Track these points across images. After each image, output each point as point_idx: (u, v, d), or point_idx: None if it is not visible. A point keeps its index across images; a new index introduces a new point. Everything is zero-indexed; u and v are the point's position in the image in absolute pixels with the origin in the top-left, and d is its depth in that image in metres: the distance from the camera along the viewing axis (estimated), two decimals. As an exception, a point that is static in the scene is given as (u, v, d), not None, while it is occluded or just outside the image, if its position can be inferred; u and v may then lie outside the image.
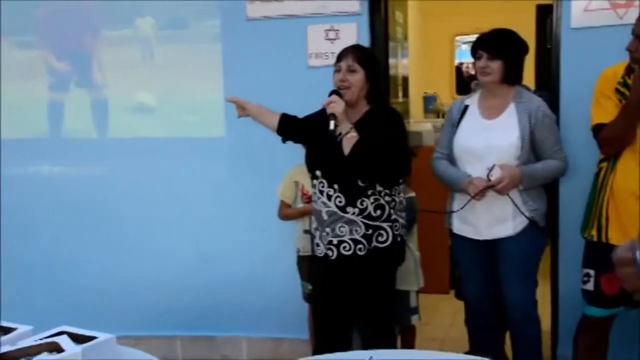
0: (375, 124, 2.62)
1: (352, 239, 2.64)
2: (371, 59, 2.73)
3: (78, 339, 1.96)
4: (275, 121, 2.90)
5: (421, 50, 6.67)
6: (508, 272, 2.85)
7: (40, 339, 1.94)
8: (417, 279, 3.22)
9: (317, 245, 2.77)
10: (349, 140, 2.57)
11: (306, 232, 3.20)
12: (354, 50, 2.70)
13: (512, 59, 2.80)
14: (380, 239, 2.65)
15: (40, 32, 3.80)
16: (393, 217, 2.68)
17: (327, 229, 2.67)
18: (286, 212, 3.32)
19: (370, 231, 2.64)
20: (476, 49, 2.84)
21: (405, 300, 3.19)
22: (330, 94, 2.64)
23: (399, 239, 2.71)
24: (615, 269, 1.11)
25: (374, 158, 2.56)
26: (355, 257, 2.65)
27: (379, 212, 2.64)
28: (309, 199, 3.18)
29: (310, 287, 3.22)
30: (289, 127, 2.89)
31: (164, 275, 3.74)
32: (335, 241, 2.66)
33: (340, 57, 2.70)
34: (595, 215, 2.65)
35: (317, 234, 2.76)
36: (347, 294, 2.75)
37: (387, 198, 2.66)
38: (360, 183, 2.61)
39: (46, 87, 3.85)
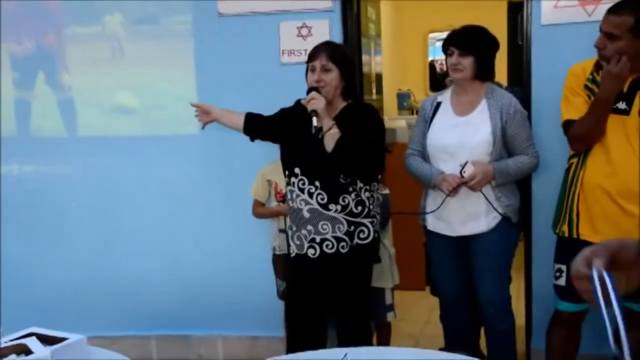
0: (353, 120, 2.61)
1: (334, 237, 2.63)
2: (344, 57, 2.72)
3: (48, 340, 1.93)
4: (240, 122, 2.93)
5: (394, 47, 6.68)
6: (482, 268, 2.87)
7: (7, 342, 1.91)
8: (392, 276, 3.23)
9: (292, 244, 2.74)
10: (332, 136, 2.54)
11: (281, 231, 3.20)
12: (327, 49, 2.67)
13: (484, 56, 2.82)
14: (361, 235, 2.65)
15: (6, 28, 3.71)
16: (372, 212, 2.69)
17: (309, 227, 2.65)
18: (259, 212, 3.31)
19: (352, 228, 2.63)
20: (447, 45, 2.85)
21: (380, 297, 3.20)
22: (309, 91, 2.62)
23: (376, 235, 2.72)
24: (574, 280, 1.10)
25: (357, 153, 2.55)
26: (337, 255, 2.64)
27: (359, 208, 2.64)
28: (282, 198, 3.17)
29: (285, 285, 3.21)
30: (255, 126, 2.92)
31: (138, 275, 3.70)
32: (317, 239, 2.65)
33: (313, 56, 2.67)
34: (566, 210, 2.67)
35: (292, 233, 2.73)
36: (325, 291, 2.74)
37: (367, 194, 2.66)
38: (341, 179, 2.60)
39: (12, 84, 3.78)
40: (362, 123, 2.62)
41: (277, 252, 3.28)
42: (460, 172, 2.75)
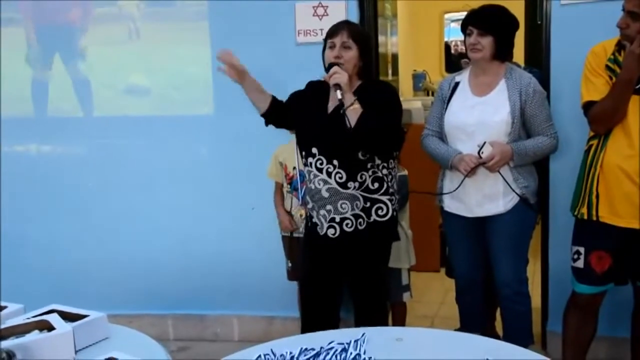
0: (371, 96, 2.59)
1: (353, 214, 2.62)
2: (364, 36, 2.71)
3: (69, 317, 1.95)
4: (265, 104, 2.79)
5: (410, 28, 6.63)
6: (498, 249, 2.86)
7: (30, 318, 1.93)
8: (408, 257, 3.23)
9: (316, 224, 2.71)
10: (354, 111, 2.51)
11: (287, 212, 3.25)
12: (348, 27, 2.65)
13: (503, 35, 2.78)
14: (380, 212, 2.64)
15: (24, 9, 3.72)
16: (391, 190, 2.68)
17: (329, 207, 2.65)
18: (276, 202, 3.31)
19: (368, 204, 2.62)
20: (466, 25, 2.82)
21: (396, 277, 3.21)
22: (329, 67, 2.59)
23: (395, 213, 2.71)
24: None
25: (379, 128, 2.53)
26: (356, 232, 2.63)
27: (376, 184, 2.62)
28: (290, 180, 3.18)
29: (290, 264, 3.27)
30: (276, 113, 2.82)
31: (154, 254, 3.72)
32: (337, 218, 2.64)
33: (332, 33, 2.65)
34: (585, 192, 2.65)
35: (317, 212, 2.70)
36: (343, 270, 2.75)
37: (384, 171, 2.65)
38: (360, 156, 2.59)
39: (29, 65, 3.79)
40: (381, 99, 2.60)
41: (284, 233, 3.32)
42: (479, 153, 2.73)
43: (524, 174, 2.81)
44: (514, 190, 2.78)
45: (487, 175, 2.77)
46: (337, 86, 2.51)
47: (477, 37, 2.76)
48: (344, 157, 2.59)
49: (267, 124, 2.88)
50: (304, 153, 2.72)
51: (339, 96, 2.49)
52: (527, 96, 2.75)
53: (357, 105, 2.52)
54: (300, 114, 2.76)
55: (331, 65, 2.58)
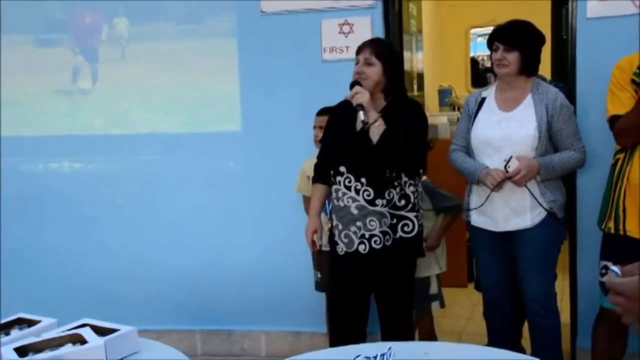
0: (397, 114, 2.61)
1: (381, 231, 2.64)
2: (389, 52, 2.71)
3: (100, 331, 1.99)
4: (324, 193, 2.84)
5: (436, 43, 6.65)
6: (526, 263, 2.85)
7: (64, 331, 1.97)
8: (438, 262, 3.17)
9: (340, 242, 2.73)
10: (377, 128, 2.55)
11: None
12: (372, 44, 2.69)
13: (529, 50, 2.79)
14: (406, 229, 2.66)
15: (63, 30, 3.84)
16: (417, 207, 2.69)
17: (359, 223, 2.66)
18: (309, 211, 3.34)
19: (395, 221, 2.64)
20: (493, 40, 2.83)
21: (424, 286, 3.16)
22: (351, 86, 2.63)
23: (421, 229, 2.72)
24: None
25: (401, 146, 2.55)
26: (384, 249, 2.65)
27: (403, 201, 2.64)
28: None
29: (319, 275, 3.25)
30: (328, 170, 2.78)
31: (182, 269, 3.76)
32: (367, 235, 2.66)
33: (359, 50, 2.69)
34: (612, 207, 2.64)
35: (339, 231, 2.71)
36: (371, 286, 2.76)
37: (411, 188, 2.66)
38: (387, 174, 2.61)
39: (62, 83, 3.89)
40: (406, 117, 2.62)
41: None
42: (505, 167, 2.73)
43: (551, 189, 2.80)
44: (541, 205, 2.77)
45: (514, 189, 2.77)
46: (360, 106, 2.56)
47: (504, 52, 2.77)
48: (371, 174, 2.62)
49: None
50: (332, 172, 2.74)
51: (362, 117, 2.54)
52: (554, 111, 2.75)
53: (380, 122, 2.55)
54: (329, 133, 2.79)
55: (353, 84, 2.62)
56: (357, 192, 2.65)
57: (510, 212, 2.81)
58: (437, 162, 3.13)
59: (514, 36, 2.77)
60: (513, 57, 2.76)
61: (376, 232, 2.64)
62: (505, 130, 2.79)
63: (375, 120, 2.55)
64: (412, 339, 2.93)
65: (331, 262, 2.89)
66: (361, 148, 2.59)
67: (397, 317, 2.76)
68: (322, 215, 3.18)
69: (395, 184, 2.63)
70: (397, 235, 2.65)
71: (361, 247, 2.67)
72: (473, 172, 2.84)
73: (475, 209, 2.88)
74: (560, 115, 2.75)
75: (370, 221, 2.64)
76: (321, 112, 3.11)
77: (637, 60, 2.56)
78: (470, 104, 2.96)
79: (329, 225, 3.06)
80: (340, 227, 2.72)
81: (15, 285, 3.81)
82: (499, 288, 2.98)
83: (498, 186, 2.75)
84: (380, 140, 2.54)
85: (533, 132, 2.75)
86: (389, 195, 2.63)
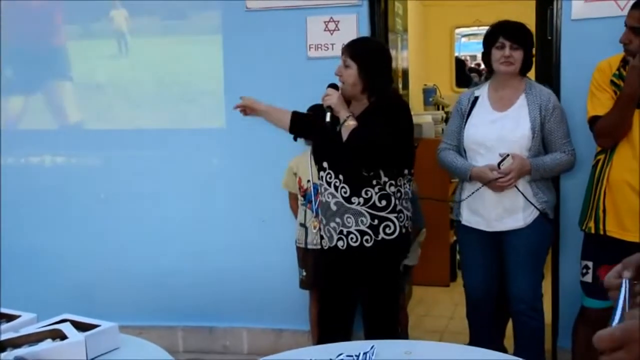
0: (377, 115, 2.60)
1: (358, 230, 2.64)
2: (365, 53, 2.62)
3: (81, 326, 1.97)
4: (287, 120, 2.89)
5: (421, 43, 6.65)
6: (516, 263, 2.85)
7: (43, 327, 1.95)
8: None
9: (322, 237, 2.79)
10: (348, 128, 2.57)
11: (301, 225, 3.27)
12: (350, 45, 2.66)
13: (529, 50, 2.80)
14: (387, 230, 2.64)
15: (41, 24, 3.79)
16: (399, 208, 2.67)
17: (337, 219, 2.68)
18: (294, 207, 3.34)
19: (376, 222, 2.63)
20: (496, 36, 2.78)
21: None
22: (328, 87, 2.66)
23: (404, 230, 2.70)
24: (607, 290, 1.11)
25: (373, 144, 2.54)
26: (362, 248, 2.65)
27: (384, 202, 2.63)
28: (304, 193, 3.21)
29: (304, 273, 3.28)
30: (301, 126, 2.89)
31: (164, 266, 3.75)
32: (344, 231, 2.67)
33: (342, 51, 2.69)
34: (593, 207, 2.66)
35: (323, 226, 2.76)
36: (354, 284, 2.76)
37: (392, 188, 2.65)
38: (364, 173, 2.61)
39: (46, 77, 3.85)
40: (388, 117, 2.59)
41: (297, 245, 3.34)
42: (498, 164, 2.72)
43: (543, 189, 2.81)
44: (534, 205, 2.78)
45: (507, 189, 2.77)
46: (329, 108, 2.60)
47: (511, 50, 2.76)
48: (347, 172, 2.63)
49: (295, 138, 2.94)
50: (317, 167, 2.78)
51: (327, 118, 2.59)
52: (546, 112, 2.75)
53: (352, 122, 2.57)
54: (315, 128, 2.79)
55: (329, 86, 2.66)
56: (336, 188, 2.67)
57: (503, 211, 2.81)
58: (421, 162, 3.13)
59: (521, 34, 2.77)
60: (519, 56, 2.76)
61: (352, 229, 2.65)
62: (500, 131, 2.79)
63: (345, 120, 2.56)
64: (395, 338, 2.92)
65: (320, 255, 2.92)
66: (335, 145, 2.61)
67: (380, 318, 2.76)
68: (309, 213, 3.19)
69: (374, 182, 2.62)
70: (380, 237, 2.64)
71: (340, 243, 2.69)
72: (464, 169, 2.83)
73: (462, 200, 2.87)
74: (553, 116, 2.76)
75: (347, 218, 2.65)
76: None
77: (616, 62, 2.59)
78: (462, 103, 2.94)
79: (316, 224, 3.07)
80: (324, 221, 2.76)
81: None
82: (485, 288, 2.97)
83: (490, 183, 2.74)
84: (348, 139, 2.55)
85: (527, 132, 2.75)
86: (366, 194, 2.62)
